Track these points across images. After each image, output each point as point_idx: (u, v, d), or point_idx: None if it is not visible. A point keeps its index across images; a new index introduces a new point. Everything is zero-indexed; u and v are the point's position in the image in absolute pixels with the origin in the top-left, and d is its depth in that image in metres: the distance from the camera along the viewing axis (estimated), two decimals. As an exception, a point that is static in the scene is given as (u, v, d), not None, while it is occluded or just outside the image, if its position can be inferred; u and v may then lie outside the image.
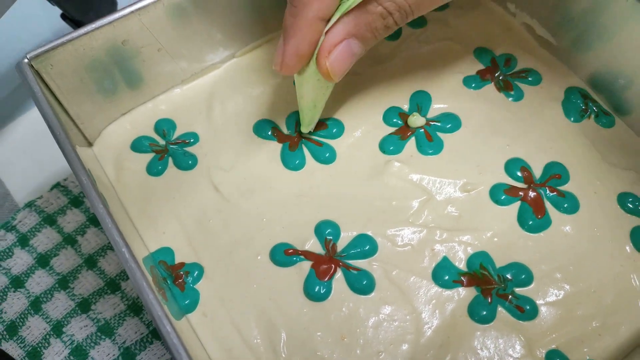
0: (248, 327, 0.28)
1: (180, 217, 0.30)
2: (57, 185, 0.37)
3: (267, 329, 0.27)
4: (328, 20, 0.26)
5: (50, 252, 0.35)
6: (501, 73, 0.34)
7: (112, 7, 0.40)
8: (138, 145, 0.33)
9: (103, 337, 0.33)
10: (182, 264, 0.29)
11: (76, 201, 0.37)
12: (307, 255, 0.29)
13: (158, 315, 0.21)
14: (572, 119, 0.33)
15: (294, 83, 0.29)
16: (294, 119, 0.33)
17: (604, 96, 0.34)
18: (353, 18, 0.26)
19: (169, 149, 0.33)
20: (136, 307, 0.33)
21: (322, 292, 0.28)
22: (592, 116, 0.33)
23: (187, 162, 0.32)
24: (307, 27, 0.25)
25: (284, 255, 0.29)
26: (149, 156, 0.33)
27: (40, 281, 0.34)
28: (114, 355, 0.32)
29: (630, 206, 0.30)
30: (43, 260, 0.35)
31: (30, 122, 0.41)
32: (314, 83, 0.28)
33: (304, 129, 0.32)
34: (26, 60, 0.28)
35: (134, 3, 0.29)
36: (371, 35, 0.26)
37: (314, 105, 0.30)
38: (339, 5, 0.25)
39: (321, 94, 0.29)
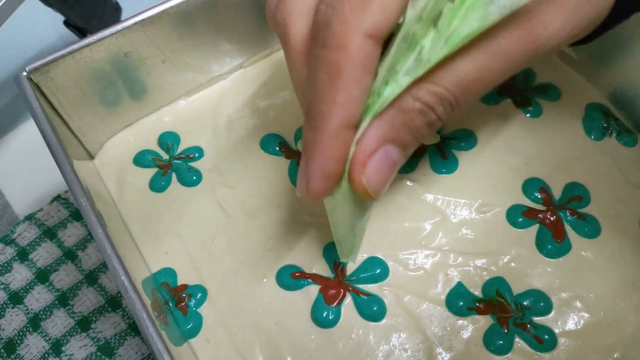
0: (252, 353, 0.26)
1: (183, 236, 0.29)
2: (57, 198, 0.36)
3: (272, 355, 0.26)
4: (356, 127, 0.20)
5: (50, 267, 0.34)
6: (519, 88, 0.33)
7: (116, 14, 0.39)
8: (141, 160, 0.32)
9: (103, 357, 0.32)
10: (185, 286, 0.28)
11: (77, 214, 0.36)
12: (315, 278, 0.28)
13: (158, 350, 0.20)
14: (592, 136, 0.31)
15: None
16: (303, 133, 0.32)
17: (626, 113, 0.32)
18: (387, 119, 0.20)
19: (172, 164, 0.31)
20: (137, 327, 0.32)
21: (330, 318, 0.27)
22: (614, 134, 0.31)
23: (191, 178, 0.31)
24: (332, 140, 0.20)
25: (291, 278, 0.28)
26: (152, 171, 0.31)
27: (39, 297, 0.33)
28: (113, 376, 0.31)
29: (654, 231, 0.28)
30: (42, 276, 0.34)
31: (31, 132, 0.40)
32: (349, 205, 0.22)
33: (345, 259, 0.26)
34: (25, 73, 0.27)
35: (138, 14, 0.28)
36: (412, 137, 0.21)
37: (352, 232, 0.24)
38: (367, 107, 0.20)
39: (360, 217, 0.23)
